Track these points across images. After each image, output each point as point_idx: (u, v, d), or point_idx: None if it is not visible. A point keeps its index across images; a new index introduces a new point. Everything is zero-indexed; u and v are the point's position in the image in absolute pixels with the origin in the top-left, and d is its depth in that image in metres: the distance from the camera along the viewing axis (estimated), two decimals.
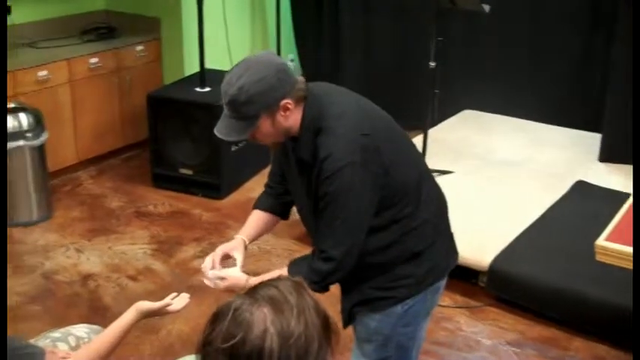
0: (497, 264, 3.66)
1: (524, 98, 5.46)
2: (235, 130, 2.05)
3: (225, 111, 2.06)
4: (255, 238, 2.47)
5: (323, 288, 2.13)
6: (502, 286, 3.66)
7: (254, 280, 2.15)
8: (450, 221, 2.37)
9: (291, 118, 2.06)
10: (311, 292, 1.35)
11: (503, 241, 3.82)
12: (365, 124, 2.10)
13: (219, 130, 2.07)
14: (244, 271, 2.31)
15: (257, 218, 2.46)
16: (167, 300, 2.22)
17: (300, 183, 2.19)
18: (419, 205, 2.20)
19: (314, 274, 2.10)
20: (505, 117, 5.50)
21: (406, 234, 2.19)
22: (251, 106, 2.00)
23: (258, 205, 2.47)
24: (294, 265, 2.19)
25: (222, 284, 2.25)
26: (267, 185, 2.48)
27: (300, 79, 2.09)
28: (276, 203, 2.44)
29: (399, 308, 2.25)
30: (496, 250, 3.74)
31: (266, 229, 2.50)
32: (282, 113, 2.03)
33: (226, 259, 2.37)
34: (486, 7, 4.13)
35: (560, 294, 3.47)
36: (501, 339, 3.44)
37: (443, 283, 2.36)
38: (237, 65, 2.06)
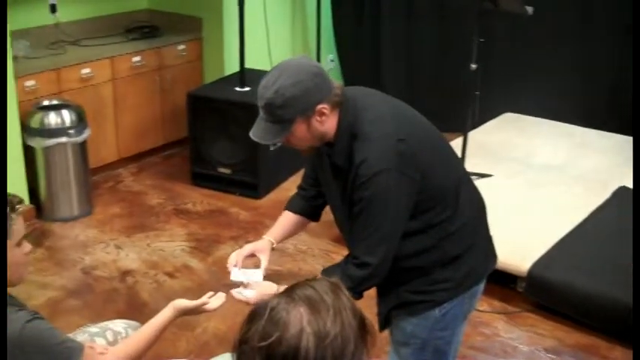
0: (536, 269, 3.61)
1: (566, 102, 5.39)
2: (270, 134, 2.05)
3: (261, 114, 2.06)
4: (283, 240, 2.48)
5: (357, 294, 2.11)
6: (541, 292, 3.62)
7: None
8: (489, 225, 2.35)
9: (327, 123, 2.05)
10: (347, 293, 1.34)
11: (542, 246, 3.77)
12: (401, 128, 2.08)
13: (255, 133, 2.08)
14: (268, 272, 2.32)
15: (287, 220, 2.47)
16: (204, 299, 2.23)
17: (335, 187, 2.19)
18: (457, 209, 2.18)
19: (348, 280, 2.07)
20: (547, 120, 5.43)
21: (444, 238, 2.17)
22: (287, 110, 2.00)
23: (290, 206, 2.48)
24: (326, 273, 2.18)
25: (251, 297, 2.21)
26: (300, 187, 2.48)
27: (337, 84, 2.09)
28: (307, 206, 2.44)
29: (436, 312, 2.24)
30: (535, 255, 3.70)
31: (295, 231, 2.51)
32: (318, 118, 2.03)
33: (251, 258, 2.39)
34: (529, 9, 4.09)
35: (599, 301, 3.41)
36: (539, 345, 3.40)
37: (481, 287, 2.33)
38: (274, 68, 2.07)
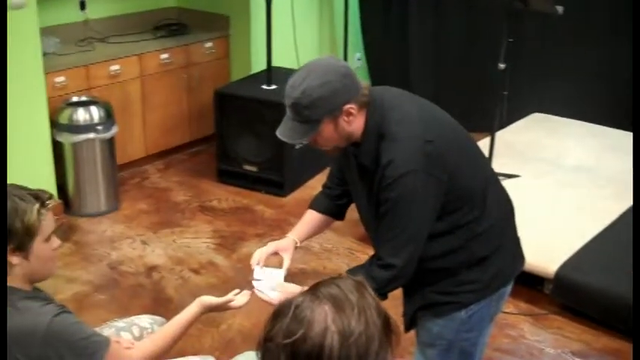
0: (563, 271, 3.58)
1: (596, 102, 5.32)
2: (297, 133, 2.05)
3: (288, 113, 2.06)
4: (307, 239, 2.47)
5: (381, 295, 2.09)
6: (568, 295, 3.58)
7: None
8: (517, 226, 2.32)
9: (354, 123, 2.05)
10: (372, 292, 1.34)
11: (570, 248, 3.73)
12: (428, 129, 2.07)
13: (282, 133, 2.07)
14: (293, 271, 2.32)
15: (311, 219, 2.46)
16: (230, 296, 2.23)
17: (361, 187, 2.18)
18: (484, 209, 2.16)
19: (372, 281, 2.04)
20: (576, 121, 5.37)
21: (471, 239, 2.15)
22: (314, 110, 1.99)
23: (314, 205, 2.47)
24: (350, 273, 2.14)
25: (275, 299, 2.20)
26: (324, 186, 2.47)
27: (365, 84, 2.08)
28: (332, 205, 2.43)
29: (462, 313, 2.22)
30: (563, 257, 3.66)
31: (319, 230, 2.50)
32: (345, 118, 2.02)
33: (275, 256, 2.39)
34: (560, 9, 4.04)
35: (627, 305, 3.37)
36: (566, 348, 3.36)
37: (508, 288, 2.32)
38: (301, 68, 2.06)
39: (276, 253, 2.39)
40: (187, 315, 2.16)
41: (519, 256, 2.36)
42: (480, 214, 2.15)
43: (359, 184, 2.19)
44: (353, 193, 2.31)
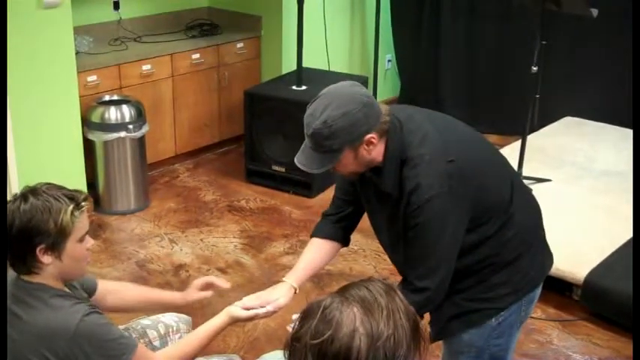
0: (593, 277, 3.53)
1: (628, 106, 5.25)
2: (316, 163, 2.01)
3: (307, 142, 2.01)
4: (309, 277, 2.37)
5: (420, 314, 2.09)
6: (597, 301, 3.53)
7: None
8: (544, 228, 2.30)
9: (375, 151, 2.01)
10: (401, 296, 1.33)
11: (600, 253, 3.69)
12: (449, 149, 2.04)
13: (300, 161, 2.03)
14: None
15: (314, 250, 2.36)
16: (259, 311, 2.23)
17: (380, 211, 2.16)
18: (512, 216, 2.14)
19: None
20: (608, 125, 5.31)
21: (500, 246, 2.13)
22: (335, 141, 1.95)
23: (317, 232, 2.38)
24: None
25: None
26: (325, 214, 2.39)
27: (385, 109, 2.04)
28: (335, 229, 2.36)
29: (492, 321, 2.20)
30: (592, 263, 3.61)
31: (324, 261, 2.40)
32: (366, 147, 1.99)
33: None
34: (594, 12, 3.99)
35: None
36: (594, 355, 3.32)
37: (538, 292, 2.29)
38: (322, 95, 2.01)
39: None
40: (215, 326, 2.18)
41: (548, 257, 2.33)
42: (507, 220, 2.13)
43: (378, 209, 2.17)
44: (370, 217, 2.27)
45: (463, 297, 2.19)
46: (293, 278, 2.30)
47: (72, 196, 1.91)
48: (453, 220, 2.02)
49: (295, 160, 2.05)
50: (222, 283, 2.46)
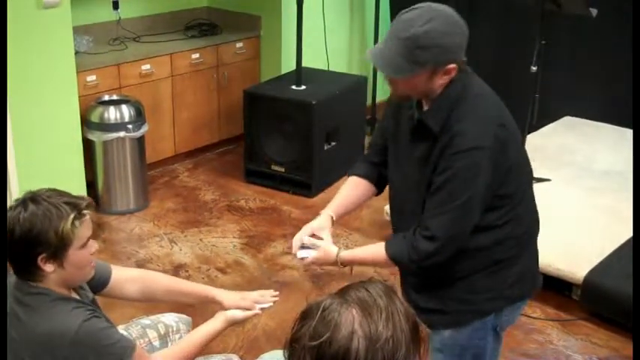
0: (592, 277, 3.53)
1: (628, 106, 5.25)
2: (393, 67, 1.96)
3: (394, 45, 1.94)
4: (345, 213, 2.35)
5: (419, 268, 2.06)
6: (596, 301, 3.53)
7: (346, 254, 2.14)
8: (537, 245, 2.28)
9: (443, 82, 1.99)
10: (401, 297, 1.33)
11: (599, 253, 3.69)
12: (502, 115, 2.04)
13: (377, 59, 1.98)
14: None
15: (350, 187, 2.35)
16: (256, 310, 2.25)
17: (410, 150, 2.10)
18: (518, 215, 2.11)
19: (414, 252, 2.02)
20: (607, 125, 5.30)
21: (498, 240, 2.10)
22: (426, 54, 1.91)
23: (354, 170, 2.36)
24: (392, 243, 2.10)
25: (310, 258, 2.17)
26: (364, 156, 2.38)
27: None
28: (373, 170, 2.33)
29: (476, 322, 2.18)
30: (592, 262, 3.61)
31: (358, 201, 2.37)
32: (443, 75, 1.97)
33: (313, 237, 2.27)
34: (594, 11, 4.00)
35: None
36: (593, 355, 3.32)
37: (524, 303, 2.27)
38: (421, 8, 1.95)
39: (313, 235, 2.26)
40: (213, 329, 2.18)
41: (537, 275, 2.29)
42: (513, 217, 2.10)
43: (408, 146, 2.11)
44: (394, 159, 2.21)
45: (450, 297, 2.16)
46: (331, 209, 2.30)
47: (74, 204, 1.88)
48: (483, 180, 1.97)
49: (370, 54, 2.00)
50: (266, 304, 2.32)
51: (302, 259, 2.19)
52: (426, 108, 2.05)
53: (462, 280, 2.15)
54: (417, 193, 2.08)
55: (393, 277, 3.88)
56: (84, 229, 1.89)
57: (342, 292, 1.32)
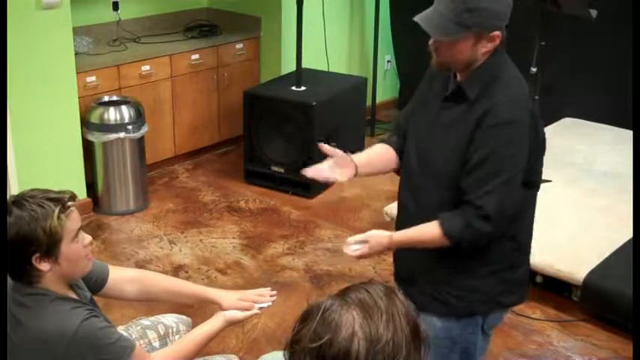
0: (592, 278, 3.53)
1: (628, 107, 5.25)
2: (440, 28, 1.98)
3: (442, 7, 1.98)
4: (365, 170, 2.31)
5: (471, 247, 2.07)
6: (596, 302, 3.53)
7: (398, 237, 2.15)
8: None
9: (485, 51, 2.01)
10: (402, 298, 1.32)
11: (599, 254, 3.68)
12: (530, 101, 2.07)
13: (425, 22, 2.01)
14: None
15: (376, 149, 2.35)
16: (255, 310, 2.25)
17: (441, 117, 2.11)
18: (523, 215, 2.14)
19: (470, 231, 2.03)
20: (607, 126, 5.30)
21: (505, 235, 2.11)
22: (474, 17, 1.94)
23: (385, 140, 2.37)
24: (447, 222, 2.06)
25: (362, 249, 2.17)
26: (393, 131, 2.38)
27: None
28: (401, 143, 2.31)
29: (467, 318, 2.22)
30: (592, 263, 3.61)
31: (383, 163, 2.34)
32: (487, 43, 1.99)
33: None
34: (593, 13, 4.00)
35: None
36: (593, 356, 3.32)
37: (501, 317, 2.32)
38: None
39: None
40: (212, 329, 2.19)
41: (526, 287, 2.32)
42: (520, 216, 2.12)
43: (439, 114, 2.11)
44: (420, 124, 2.20)
45: (448, 290, 2.18)
46: (358, 160, 2.27)
47: (56, 199, 1.88)
48: (523, 155, 2.01)
49: (417, 17, 2.04)
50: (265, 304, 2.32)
51: (354, 250, 2.19)
52: (462, 79, 2.08)
53: (461, 274, 2.17)
54: (441, 163, 2.09)
55: (392, 277, 3.88)
56: (71, 222, 1.89)
57: (343, 294, 1.32)
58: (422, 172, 2.16)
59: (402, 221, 2.25)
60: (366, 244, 2.17)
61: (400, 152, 2.30)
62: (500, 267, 2.17)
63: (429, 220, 2.09)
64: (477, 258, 2.14)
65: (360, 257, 2.21)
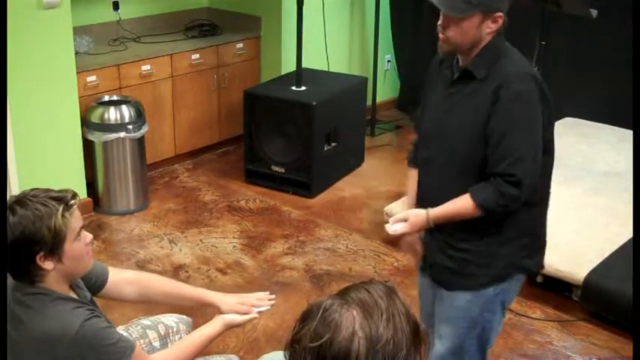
0: (592, 278, 3.53)
1: (628, 107, 5.25)
2: (449, 4, 2.12)
3: None
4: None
5: (504, 212, 2.17)
6: (596, 301, 3.53)
7: (435, 212, 2.22)
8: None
9: (489, 33, 2.14)
10: (402, 298, 1.33)
11: (599, 254, 3.69)
12: (535, 70, 2.23)
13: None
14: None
15: (415, 178, 2.47)
16: (254, 314, 2.26)
17: (451, 101, 2.22)
18: (546, 189, 2.28)
19: (501, 197, 2.12)
20: (607, 126, 5.31)
21: (527, 205, 2.20)
22: None
23: (411, 159, 2.50)
24: (477, 192, 2.17)
25: (403, 227, 2.25)
26: (414, 143, 2.50)
27: None
28: None
29: (491, 290, 2.29)
30: (592, 263, 3.61)
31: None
32: (490, 24, 2.13)
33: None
34: (594, 12, 4.00)
35: None
36: (593, 356, 3.32)
37: (522, 280, 2.39)
38: None
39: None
40: (211, 332, 2.20)
41: (543, 255, 2.41)
42: (544, 184, 2.25)
43: (450, 97, 2.23)
44: (432, 108, 2.32)
45: (465, 256, 2.27)
46: (410, 201, 2.45)
47: (59, 198, 1.89)
48: (540, 122, 2.14)
49: None
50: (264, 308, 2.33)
51: (395, 230, 2.26)
52: (466, 62, 2.20)
53: (480, 245, 2.26)
54: (456, 139, 2.20)
55: (392, 277, 3.89)
56: (74, 220, 1.91)
57: (343, 293, 1.32)
58: (437, 150, 2.28)
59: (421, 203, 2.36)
60: (406, 223, 2.24)
61: None
62: (520, 233, 2.26)
63: (446, 196, 2.20)
64: (497, 226, 2.23)
65: (401, 236, 2.29)
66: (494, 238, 2.25)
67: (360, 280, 1.37)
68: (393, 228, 2.25)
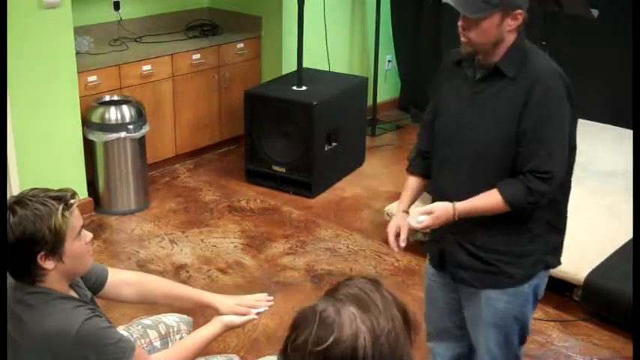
0: (593, 278, 3.53)
1: (629, 107, 5.25)
2: (468, 4, 2.10)
3: None
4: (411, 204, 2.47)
5: (533, 207, 2.18)
6: (597, 301, 3.53)
7: (462, 205, 2.20)
8: None
9: (511, 31, 2.14)
10: (386, 288, 1.34)
11: (600, 254, 3.68)
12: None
13: (454, 0, 2.11)
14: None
15: (414, 186, 2.47)
16: (252, 316, 2.26)
17: (475, 102, 2.21)
18: (568, 186, 2.30)
19: (530, 194, 2.14)
20: (608, 126, 5.30)
21: (553, 203, 2.24)
22: None
23: (415, 168, 2.48)
24: (506, 187, 2.17)
25: (428, 219, 2.22)
26: (417, 150, 2.48)
27: None
28: (427, 165, 2.43)
29: (525, 287, 2.32)
30: (593, 263, 3.61)
31: (418, 195, 2.50)
32: (511, 22, 2.13)
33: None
34: (595, 12, 3.99)
35: None
36: (594, 356, 3.32)
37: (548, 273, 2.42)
38: None
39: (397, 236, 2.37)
40: (210, 334, 2.20)
41: (560, 256, 2.46)
42: (567, 180, 2.26)
43: (475, 97, 2.22)
44: (453, 109, 2.30)
45: (496, 258, 2.27)
46: (403, 206, 2.43)
47: (59, 197, 1.89)
48: (567, 117, 2.15)
49: None
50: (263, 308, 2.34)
51: (419, 222, 2.23)
52: (494, 60, 2.18)
53: (510, 245, 2.28)
54: (481, 139, 2.19)
55: (392, 277, 3.88)
56: (74, 219, 1.91)
57: (332, 293, 1.32)
58: (460, 149, 2.26)
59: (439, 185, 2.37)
60: (430, 216, 2.22)
61: (426, 175, 2.44)
62: (544, 230, 2.29)
63: (468, 194, 2.20)
64: (524, 223, 2.25)
65: (425, 228, 2.27)
66: (521, 236, 2.27)
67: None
68: (418, 219, 2.22)
